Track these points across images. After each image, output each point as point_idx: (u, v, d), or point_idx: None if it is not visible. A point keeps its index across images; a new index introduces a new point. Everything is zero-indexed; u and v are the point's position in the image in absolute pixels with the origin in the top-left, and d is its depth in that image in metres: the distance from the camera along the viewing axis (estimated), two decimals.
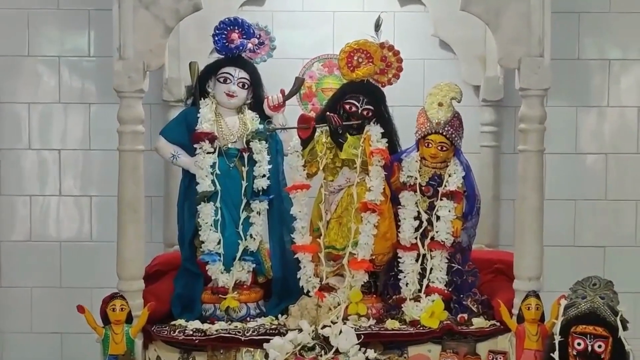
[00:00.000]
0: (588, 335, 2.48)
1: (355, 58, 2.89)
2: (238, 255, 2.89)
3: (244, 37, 2.91)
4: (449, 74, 3.23)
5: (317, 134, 2.91)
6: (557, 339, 2.50)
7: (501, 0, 2.69)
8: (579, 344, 2.49)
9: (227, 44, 2.90)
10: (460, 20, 2.96)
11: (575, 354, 2.49)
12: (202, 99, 2.92)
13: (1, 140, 3.50)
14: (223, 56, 2.93)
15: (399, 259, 2.91)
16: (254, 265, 2.93)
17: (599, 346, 2.48)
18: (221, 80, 2.90)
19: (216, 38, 2.91)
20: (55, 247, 3.52)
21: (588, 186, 3.47)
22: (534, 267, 2.73)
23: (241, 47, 2.91)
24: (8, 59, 3.49)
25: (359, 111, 2.89)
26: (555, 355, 2.51)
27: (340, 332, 2.65)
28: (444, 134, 2.86)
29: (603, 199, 3.47)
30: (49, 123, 3.52)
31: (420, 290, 2.87)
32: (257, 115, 2.95)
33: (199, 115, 2.88)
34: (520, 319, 2.65)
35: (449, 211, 2.87)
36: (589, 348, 2.49)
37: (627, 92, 3.48)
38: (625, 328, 2.48)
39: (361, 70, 2.88)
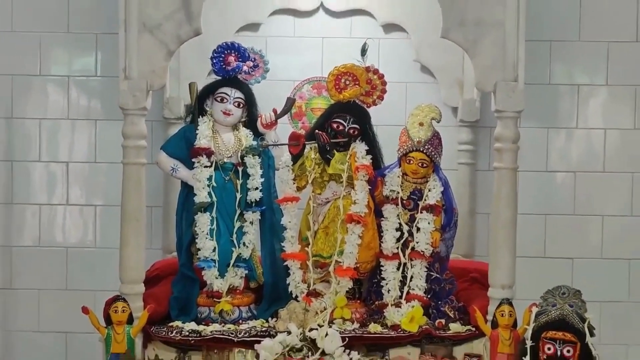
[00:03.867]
0: (558, 341, 2.49)
1: (343, 80, 2.89)
2: (232, 261, 2.88)
3: (240, 60, 2.92)
4: (429, 96, 3.23)
5: (306, 150, 2.91)
6: (529, 343, 2.51)
7: (478, 28, 2.69)
8: (549, 349, 2.49)
9: (224, 66, 2.91)
10: (440, 46, 2.97)
11: (545, 358, 2.50)
12: (200, 116, 2.92)
13: (13, 153, 3.50)
14: (220, 77, 2.93)
15: (381, 267, 2.90)
16: (247, 271, 2.92)
17: (568, 351, 2.48)
18: (218, 99, 2.90)
19: (214, 61, 2.92)
20: (62, 253, 3.52)
21: (557, 202, 3.48)
22: (507, 276, 2.72)
23: (237, 70, 2.92)
24: (21, 77, 3.49)
25: (346, 130, 2.90)
26: (527, 359, 2.51)
27: (326, 334, 2.63)
28: (425, 151, 2.86)
29: (571, 214, 3.47)
30: (58, 138, 3.52)
31: (401, 297, 2.85)
32: (251, 132, 2.95)
33: (197, 131, 2.88)
34: (494, 324, 2.66)
35: (429, 223, 2.86)
36: (559, 352, 2.49)
37: (594, 115, 3.49)
38: (592, 334, 2.49)
39: (348, 91, 2.88)
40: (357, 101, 2.91)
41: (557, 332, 2.46)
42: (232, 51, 2.91)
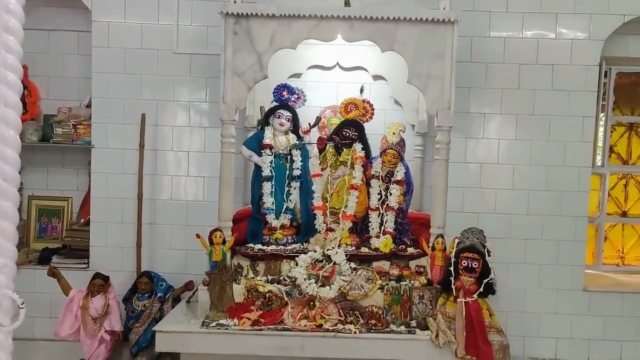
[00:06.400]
0: (469, 259, 2.52)
1: (349, 107, 2.87)
2: (282, 210, 2.86)
3: (290, 93, 2.89)
4: (398, 118, 3.18)
5: (327, 147, 2.89)
6: (453, 260, 2.53)
7: (429, 78, 2.67)
8: (464, 263, 2.51)
9: (280, 97, 2.89)
10: (406, 87, 2.91)
11: (462, 268, 2.52)
12: (266, 126, 2.90)
13: (157, 145, 3.44)
14: (278, 103, 2.90)
15: (369, 215, 2.88)
16: (291, 215, 2.90)
17: (475, 264, 2.51)
18: (277, 116, 2.87)
19: (274, 93, 2.90)
20: (184, 204, 3.47)
21: (471, 179, 3.41)
22: (441, 222, 2.72)
23: (288, 99, 2.89)
24: (162, 102, 3.43)
25: (350, 135, 2.87)
26: (451, 268, 2.53)
27: (337, 252, 2.64)
28: (395, 149, 2.85)
29: (478, 187, 3.42)
30: (183, 137, 3.46)
31: (379, 232, 2.85)
32: (295, 136, 2.93)
33: (264, 134, 2.86)
34: (433, 248, 2.67)
35: (397, 191, 2.84)
36: (470, 265, 2.51)
37: (492, 131, 3.42)
38: (489, 255, 2.51)
39: (352, 113, 2.87)
40: (357, 119, 2.89)
41: (469, 253, 2.51)
42: (285, 88, 2.89)
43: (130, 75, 3.37)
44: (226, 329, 2.45)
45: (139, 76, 3.38)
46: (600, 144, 3.66)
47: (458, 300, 2.43)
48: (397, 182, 2.84)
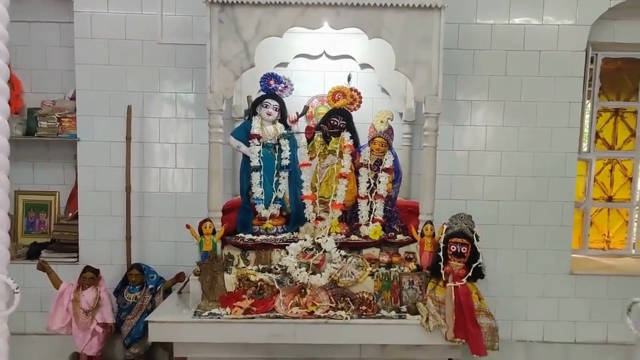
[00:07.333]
0: (458, 244, 2.56)
1: (337, 95, 2.91)
2: (272, 200, 2.90)
3: (277, 83, 2.91)
4: (386, 106, 3.22)
5: (315, 136, 2.92)
6: (442, 245, 2.57)
7: (416, 65, 2.70)
8: (453, 248, 2.56)
9: (267, 86, 2.91)
10: (393, 75, 2.95)
11: (451, 253, 2.56)
12: (254, 116, 2.92)
13: (144, 137, 3.45)
14: (265, 93, 2.93)
15: (358, 203, 2.93)
16: (280, 205, 2.94)
17: (464, 249, 2.55)
18: (264, 106, 2.90)
19: (261, 83, 2.92)
20: (172, 196, 3.48)
21: (458, 167, 3.46)
22: (430, 209, 2.76)
23: (275, 89, 2.91)
24: (149, 93, 3.42)
25: (338, 124, 2.91)
26: (440, 254, 2.57)
27: (327, 241, 2.69)
28: (383, 137, 2.89)
29: (466, 174, 3.47)
30: (170, 128, 3.46)
31: (369, 220, 2.89)
32: (283, 126, 2.95)
33: (252, 124, 2.89)
34: (422, 235, 2.71)
35: (385, 179, 2.89)
36: (459, 250, 2.55)
37: (479, 118, 3.47)
38: (477, 240, 2.56)
39: (339, 102, 2.90)
40: (344, 108, 2.92)
41: (458, 239, 2.55)
42: (272, 77, 2.91)
43: (115, 67, 3.36)
44: (218, 318, 2.49)
45: (124, 67, 3.37)
46: (586, 129, 3.73)
47: (447, 284, 2.48)
48: (386, 170, 2.88)
